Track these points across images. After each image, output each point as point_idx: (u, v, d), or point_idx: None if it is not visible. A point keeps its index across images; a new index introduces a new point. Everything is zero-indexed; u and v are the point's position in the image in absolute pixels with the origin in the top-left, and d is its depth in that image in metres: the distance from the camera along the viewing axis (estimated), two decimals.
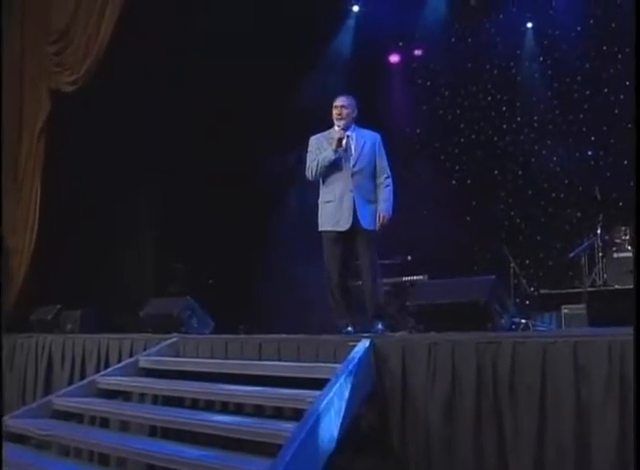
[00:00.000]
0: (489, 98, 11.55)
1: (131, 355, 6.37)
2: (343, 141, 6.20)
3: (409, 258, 9.29)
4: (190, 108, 10.25)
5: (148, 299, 8.14)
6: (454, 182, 11.61)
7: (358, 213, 6.10)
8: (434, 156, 11.74)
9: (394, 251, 9.30)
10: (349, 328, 5.98)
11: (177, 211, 10.57)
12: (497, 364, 3.98)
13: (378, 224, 6.13)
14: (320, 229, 6.30)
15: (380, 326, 5.93)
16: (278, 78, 10.60)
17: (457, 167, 11.66)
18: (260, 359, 5.34)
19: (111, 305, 8.98)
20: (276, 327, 7.73)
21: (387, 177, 6.30)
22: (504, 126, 11.37)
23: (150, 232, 10.87)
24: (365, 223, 6.11)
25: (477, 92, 11.61)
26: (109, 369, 6.29)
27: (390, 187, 6.29)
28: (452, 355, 4.17)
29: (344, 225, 6.12)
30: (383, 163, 6.32)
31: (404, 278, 9.10)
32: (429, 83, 12.06)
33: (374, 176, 6.29)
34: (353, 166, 6.20)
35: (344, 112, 6.30)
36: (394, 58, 12.41)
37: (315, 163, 6.29)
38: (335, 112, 6.33)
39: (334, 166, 6.24)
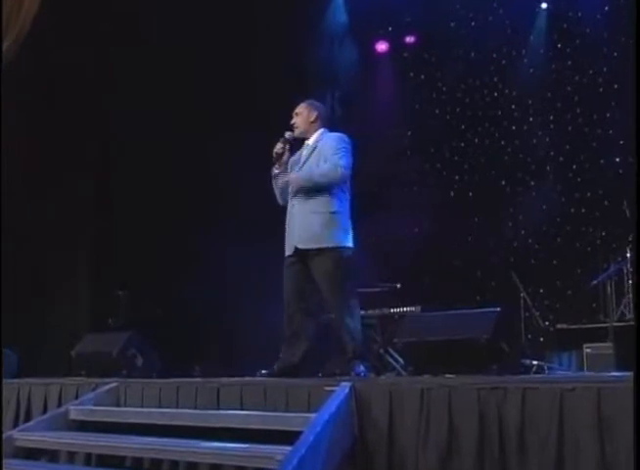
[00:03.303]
0: (496, 94, 11.61)
1: (60, 405, 6.31)
2: (284, 155, 6.28)
3: (398, 285, 9.28)
4: (135, 112, 10.25)
5: (82, 334, 8.10)
6: (453, 194, 11.65)
7: (301, 230, 6.06)
8: (428, 163, 11.76)
9: (380, 277, 9.31)
10: (264, 371, 5.96)
11: (118, 228, 10.50)
12: (503, 414, 3.98)
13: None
14: None
15: (362, 368, 5.85)
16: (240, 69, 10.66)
17: (457, 177, 11.70)
18: (219, 408, 5.31)
19: (35, 343, 8.90)
20: (238, 368, 7.71)
21: (332, 163, 6.06)
22: (513, 128, 11.42)
23: (85, 253, 10.79)
24: (311, 242, 6.02)
25: (481, 87, 11.67)
26: (30, 422, 6.17)
27: (329, 168, 6.03)
28: (449, 403, 4.17)
29: (289, 250, 6.15)
30: (329, 153, 6.10)
31: (392, 310, 9.08)
32: (423, 77, 12.12)
33: None
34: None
35: (297, 120, 6.39)
36: (382, 46, 12.46)
37: None
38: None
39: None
